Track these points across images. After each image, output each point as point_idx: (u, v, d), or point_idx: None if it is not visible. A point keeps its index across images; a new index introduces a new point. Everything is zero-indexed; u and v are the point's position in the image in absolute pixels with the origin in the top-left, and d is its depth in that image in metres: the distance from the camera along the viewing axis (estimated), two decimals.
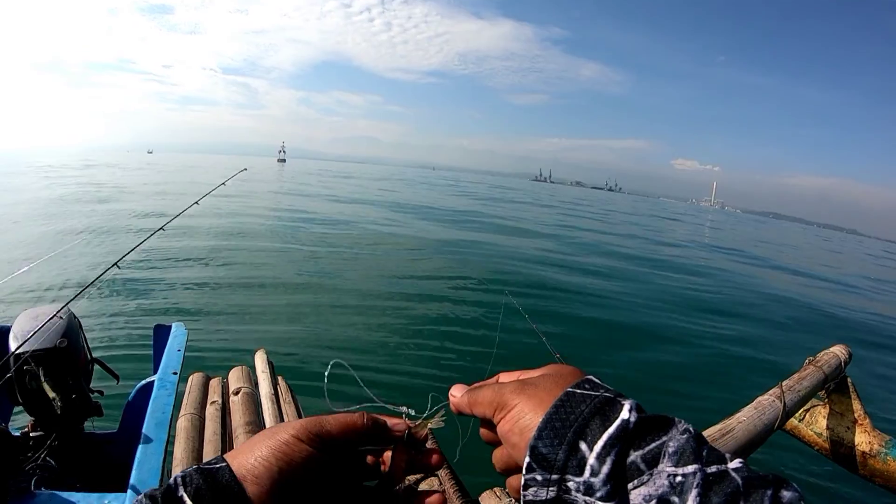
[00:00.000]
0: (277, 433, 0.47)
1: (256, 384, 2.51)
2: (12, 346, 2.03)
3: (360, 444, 0.52)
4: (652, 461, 0.38)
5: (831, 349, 3.88)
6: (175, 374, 2.37)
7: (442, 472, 1.74)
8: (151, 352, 2.78)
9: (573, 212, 36.46)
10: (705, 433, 2.50)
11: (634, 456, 0.39)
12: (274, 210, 17.89)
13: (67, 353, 2.07)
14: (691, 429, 0.40)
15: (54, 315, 2.13)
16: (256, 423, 2.20)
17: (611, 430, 0.39)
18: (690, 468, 0.37)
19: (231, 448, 2.17)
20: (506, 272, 10.30)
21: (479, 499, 1.75)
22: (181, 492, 0.42)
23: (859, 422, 3.88)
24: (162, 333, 2.75)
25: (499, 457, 0.50)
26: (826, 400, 4.00)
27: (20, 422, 2.29)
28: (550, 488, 0.41)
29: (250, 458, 0.45)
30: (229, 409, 2.32)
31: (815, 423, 4.05)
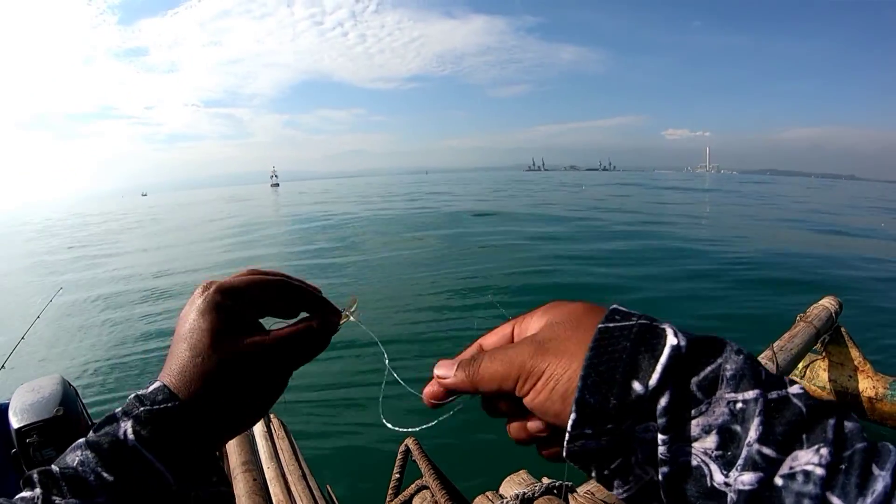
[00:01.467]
0: (189, 323, 0.47)
1: None
2: (13, 422, 2.08)
3: (274, 299, 0.51)
4: (709, 388, 0.35)
5: (820, 302, 3.90)
6: None
7: (432, 482, 1.77)
8: None
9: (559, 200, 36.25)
10: None
11: (692, 383, 0.35)
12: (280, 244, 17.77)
13: (66, 420, 2.11)
14: (745, 350, 0.37)
15: None
16: (252, 462, 2.22)
17: (662, 359, 0.35)
18: (751, 394, 0.34)
19: (232, 490, 2.20)
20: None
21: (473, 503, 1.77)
22: (124, 427, 0.43)
23: (860, 368, 3.90)
24: None
25: (520, 428, 0.45)
26: (824, 353, 4.03)
27: None
28: (603, 438, 0.37)
29: (175, 364, 0.46)
30: (224, 452, 2.35)
31: (816, 377, 4.07)
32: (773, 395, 0.34)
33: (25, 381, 2.36)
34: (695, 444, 0.35)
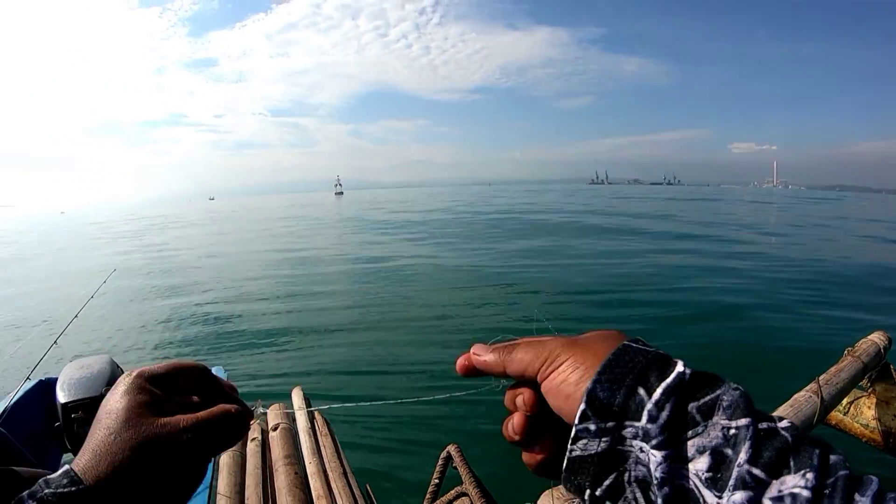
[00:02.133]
0: (111, 405, 0.49)
1: (294, 420, 2.63)
2: (60, 396, 2.19)
3: (192, 387, 0.54)
4: (707, 413, 0.38)
5: (869, 337, 3.77)
6: None
7: (472, 490, 1.80)
8: None
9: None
10: None
11: (690, 407, 0.39)
12: (337, 251, 17.96)
13: None
14: (742, 387, 0.40)
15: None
16: (295, 456, 2.30)
17: (668, 380, 0.39)
18: (743, 421, 0.37)
19: (272, 481, 2.28)
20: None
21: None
22: None
23: None
24: None
25: (512, 397, 0.49)
26: (870, 389, 3.89)
27: None
28: (604, 439, 0.40)
29: (88, 445, 0.47)
30: (269, 444, 2.44)
31: (860, 414, 3.92)
32: (764, 425, 0.37)
33: (77, 357, 2.48)
34: (689, 465, 0.37)
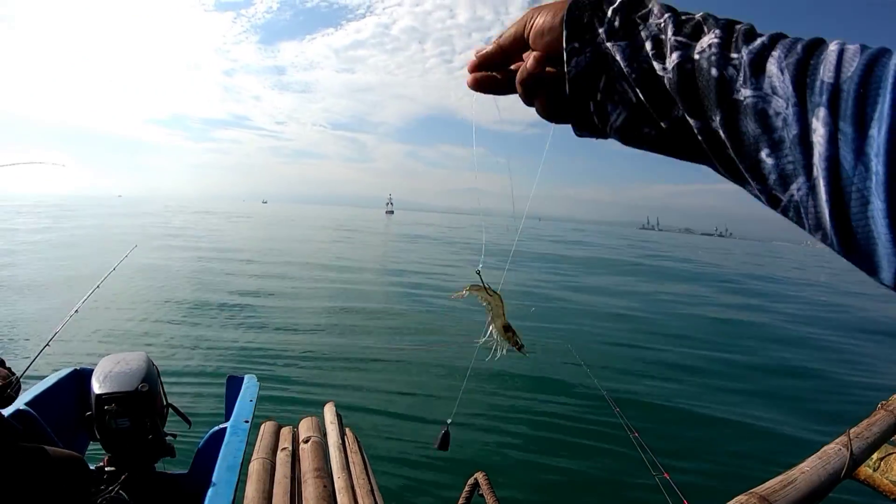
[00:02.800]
0: None
1: (325, 434, 2.69)
2: (95, 387, 2.26)
3: None
4: (644, 17, 0.48)
5: None
6: (247, 422, 2.57)
7: None
8: (224, 401, 3.01)
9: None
10: (765, 485, 2.47)
11: (634, 15, 0.48)
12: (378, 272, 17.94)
13: (148, 396, 2.27)
14: (667, 4, 0.49)
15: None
16: (324, 469, 2.36)
17: (615, 4, 0.49)
18: (667, 15, 0.47)
19: (301, 492, 2.34)
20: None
21: None
22: None
23: None
24: (234, 384, 2.98)
25: (526, 62, 0.56)
26: None
27: (96, 457, 2.51)
28: (586, 49, 0.50)
29: None
30: (299, 455, 2.51)
31: (890, 469, 3.82)
32: (683, 17, 0.47)
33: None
34: (641, 51, 0.47)
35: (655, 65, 0.46)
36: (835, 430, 3.09)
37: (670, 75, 0.45)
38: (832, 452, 2.82)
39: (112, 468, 2.25)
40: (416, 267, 18.18)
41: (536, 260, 24.10)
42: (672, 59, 0.45)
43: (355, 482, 2.28)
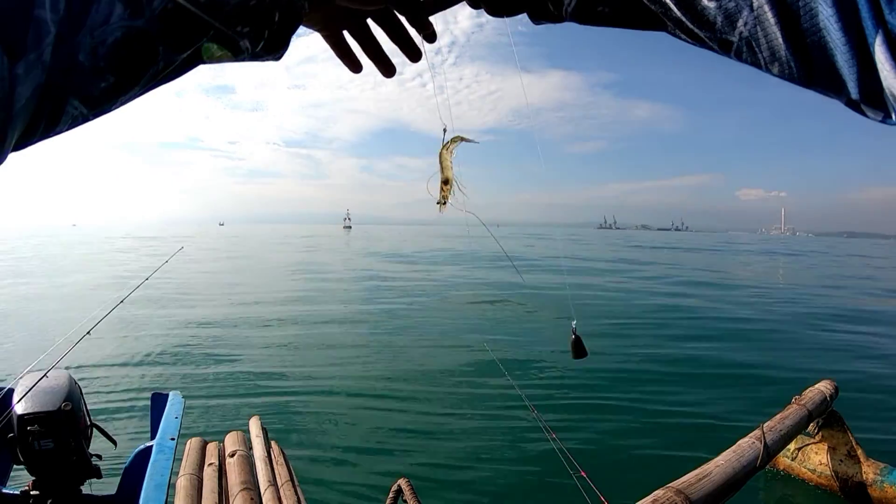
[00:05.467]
0: None
1: (252, 448, 2.67)
2: (17, 407, 2.16)
3: None
4: None
5: (816, 385, 3.95)
6: (173, 439, 2.51)
7: None
8: (149, 419, 2.93)
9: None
10: (681, 479, 2.60)
11: None
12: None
13: (71, 415, 2.19)
14: None
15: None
16: (251, 483, 2.34)
17: None
18: None
19: None
20: None
21: None
22: None
23: (851, 454, 3.92)
24: (159, 401, 2.90)
25: None
26: (817, 436, 4.05)
27: (20, 481, 2.41)
28: None
29: None
30: (226, 470, 2.47)
31: (807, 459, 4.08)
32: None
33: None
34: None
35: None
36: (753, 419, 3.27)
37: None
38: (746, 446, 3.00)
39: (37, 492, 2.18)
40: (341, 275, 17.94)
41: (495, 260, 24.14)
42: None
43: (282, 493, 2.27)
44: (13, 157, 0.33)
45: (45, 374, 2.32)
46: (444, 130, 0.67)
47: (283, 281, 17.94)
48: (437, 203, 0.66)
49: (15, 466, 2.44)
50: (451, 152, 0.66)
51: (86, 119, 0.36)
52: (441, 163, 0.66)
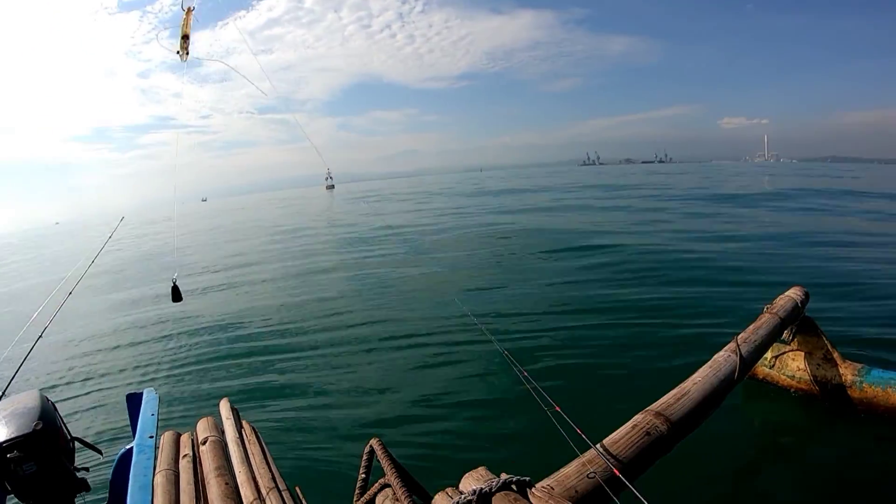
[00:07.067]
0: None
1: (223, 432, 2.61)
2: None
3: None
4: None
5: (787, 293, 4.00)
6: (151, 437, 2.46)
7: (394, 480, 1.83)
8: (129, 419, 2.89)
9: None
10: (660, 401, 2.60)
11: None
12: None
13: (47, 434, 2.13)
14: None
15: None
16: (224, 467, 2.28)
17: None
18: None
19: (205, 494, 2.26)
20: None
21: (433, 501, 1.84)
22: None
23: (828, 357, 4.00)
24: (135, 401, 2.86)
25: None
26: (793, 342, 4.13)
27: None
28: None
29: None
30: (200, 458, 2.41)
31: (785, 366, 4.17)
32: None
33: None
34: None
35: None
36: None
37: None
38: (722, 360, 3.02)
39: None
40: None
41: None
42: None
43: (256, 473, 2.22)
44: None
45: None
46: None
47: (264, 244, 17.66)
48: (178, 52, 0.65)
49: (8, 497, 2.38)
50: (190, 19, 0.66)
51: None
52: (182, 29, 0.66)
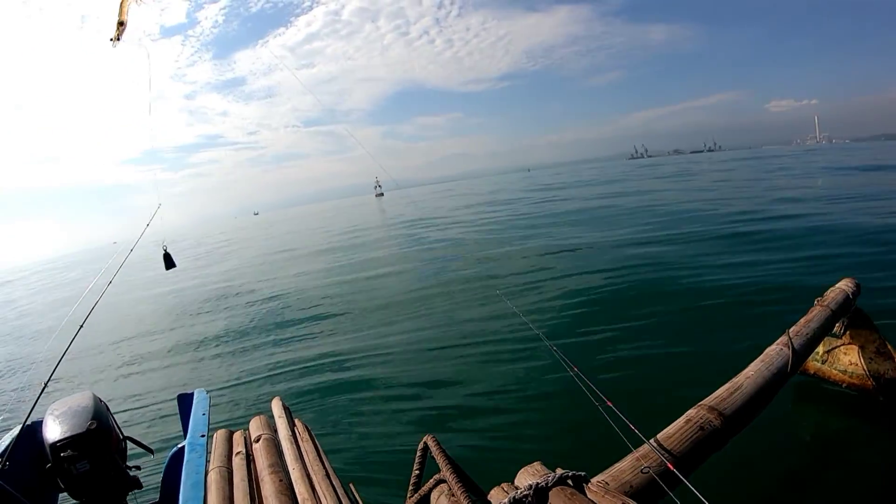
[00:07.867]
0: None
1: (276, 429, 2.65)
2: (47, 437, 2.19)
3: None
4: None
5: (837, 285, 3.86)
6: (203, 436, 2.51)
7: (449, 476, 1.83)
8: (179, 419, 2.97)
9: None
10: (713, 396, 2.54)
11: None
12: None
13: (100, 433, 2.21)
14: None
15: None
16: (278, 464, 2.32)
17: None
18: None
19: (259, 490, 2.30)
20: None
21: (489, 497, 1.83)
22: None
23: (881, 350, 3.85)
24: (186, 401, 2.93)
25: None
26: (844, 336, 3.98)
27: None
28: None
29: None
30: (253, 455, 2.45)
31: (837, 361, 4.02)
32: None
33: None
34: None
35: None
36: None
37: None
38: (774, 353, 2.93)
39: None
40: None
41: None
42: None
43: (310, 470, 2.25)
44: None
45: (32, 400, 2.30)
46: None
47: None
48: (112, 39, 0.68)
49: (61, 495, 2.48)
50: (126, 6, 0.68)
51: None
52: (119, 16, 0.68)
